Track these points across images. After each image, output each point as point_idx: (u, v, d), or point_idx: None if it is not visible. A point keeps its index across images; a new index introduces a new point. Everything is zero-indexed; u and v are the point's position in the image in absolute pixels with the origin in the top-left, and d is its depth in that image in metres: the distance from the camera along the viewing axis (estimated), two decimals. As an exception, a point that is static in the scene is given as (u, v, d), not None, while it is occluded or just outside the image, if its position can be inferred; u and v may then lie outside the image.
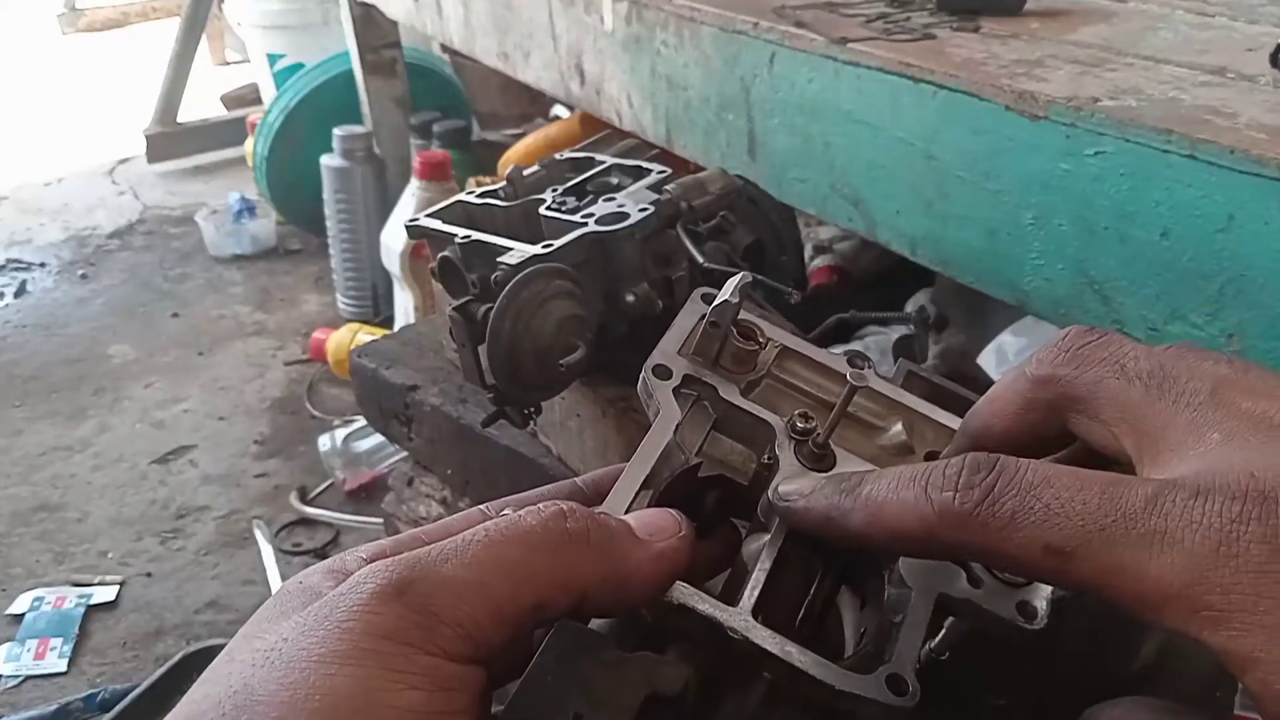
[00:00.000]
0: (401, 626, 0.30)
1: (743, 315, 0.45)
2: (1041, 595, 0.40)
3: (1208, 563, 0.29)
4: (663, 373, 0.43)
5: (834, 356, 0.46)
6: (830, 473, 0.41)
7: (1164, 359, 0.35)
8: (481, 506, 0.41)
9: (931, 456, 0.44)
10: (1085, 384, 0.36)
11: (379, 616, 0.30)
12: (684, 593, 0.36)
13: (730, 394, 0.43)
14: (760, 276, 0.80)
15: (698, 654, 0.36)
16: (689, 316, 0.45)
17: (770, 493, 0.39)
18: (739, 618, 0.36)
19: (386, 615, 0.30)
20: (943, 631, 0.39)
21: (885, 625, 0.39)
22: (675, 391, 0.42)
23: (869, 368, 0.45)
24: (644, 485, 0.39)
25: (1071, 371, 0.36)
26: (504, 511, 0.37)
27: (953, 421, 0.45)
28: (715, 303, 0.43)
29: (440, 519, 0.41)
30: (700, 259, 0.79)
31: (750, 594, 0.37)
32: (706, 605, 0.36)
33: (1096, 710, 0.35)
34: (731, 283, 0.43)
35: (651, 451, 0.40)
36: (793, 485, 0.38)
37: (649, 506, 0.39)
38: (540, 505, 0.34)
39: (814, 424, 0.42)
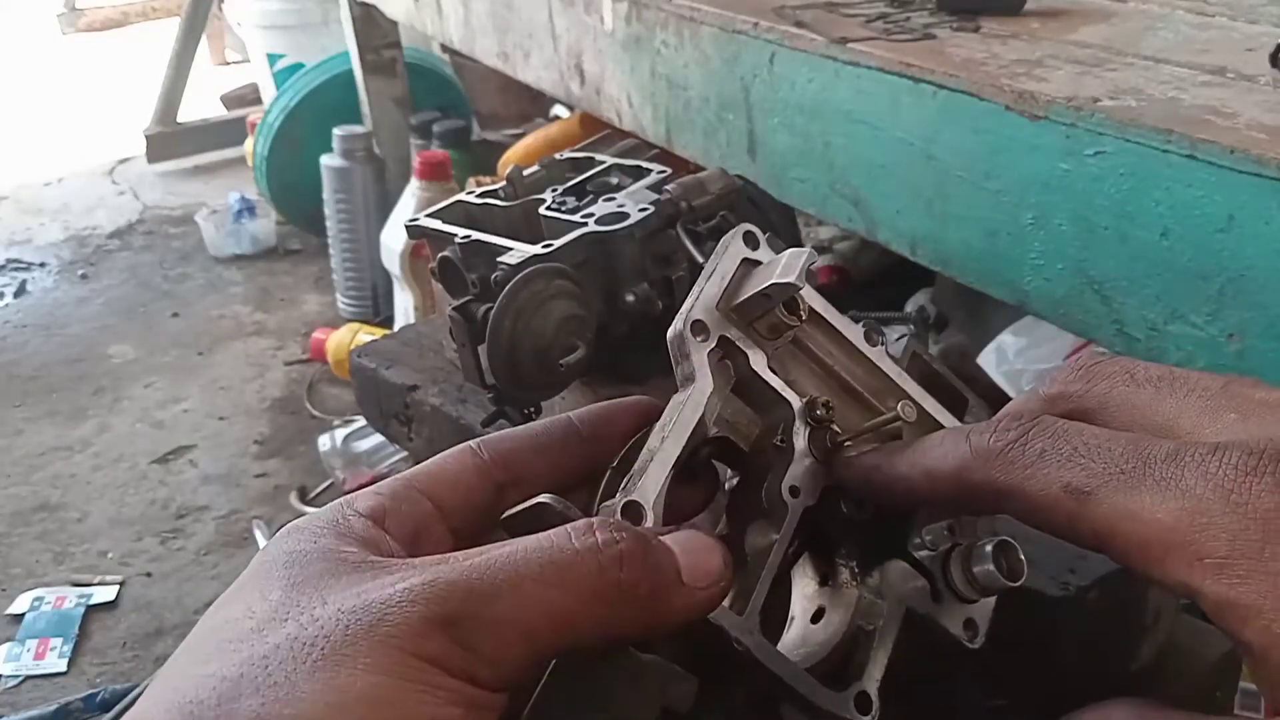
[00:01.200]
0: (445, 654, 0.30)
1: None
2: (984, 615, 0.41)
3: (1216, 509, 0.29)
4: (700, 329, 0.41)
5: (852, 326, 0.45)
6: None
7: (1173, 368, 0.36)
8: (471, 444, 0.40)
9: None
10: (1096, 396, 0.37)
11: (426, 642, 0.30)
12: None
13: (759, 364, 0.42)
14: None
15: (686, 646, 0.37)
16: (730, 260, 0.43)
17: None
18: (745, 629, 0.36)
19: (433, 644, 0.30)
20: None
21: (855, 630, 0.40)
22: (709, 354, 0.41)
23: (882, 343, 0.45)
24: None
25: (1082, 386, 0.37)
26: (539, 503, 0.37)
27: (942, 415, 0.45)
28: (776, 280, 0.41)
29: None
30: (700, 259, 0.79)
31: (755, 603, 0.37)
32: (718, 614, 0.36)
33: (1079, 714, 0.35)
34: (798, 264, 0.41)
35: (684, 429, 0.39)
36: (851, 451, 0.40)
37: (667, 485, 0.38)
38: (595, 543, 0.33)
39: (831, 414, 0.41)
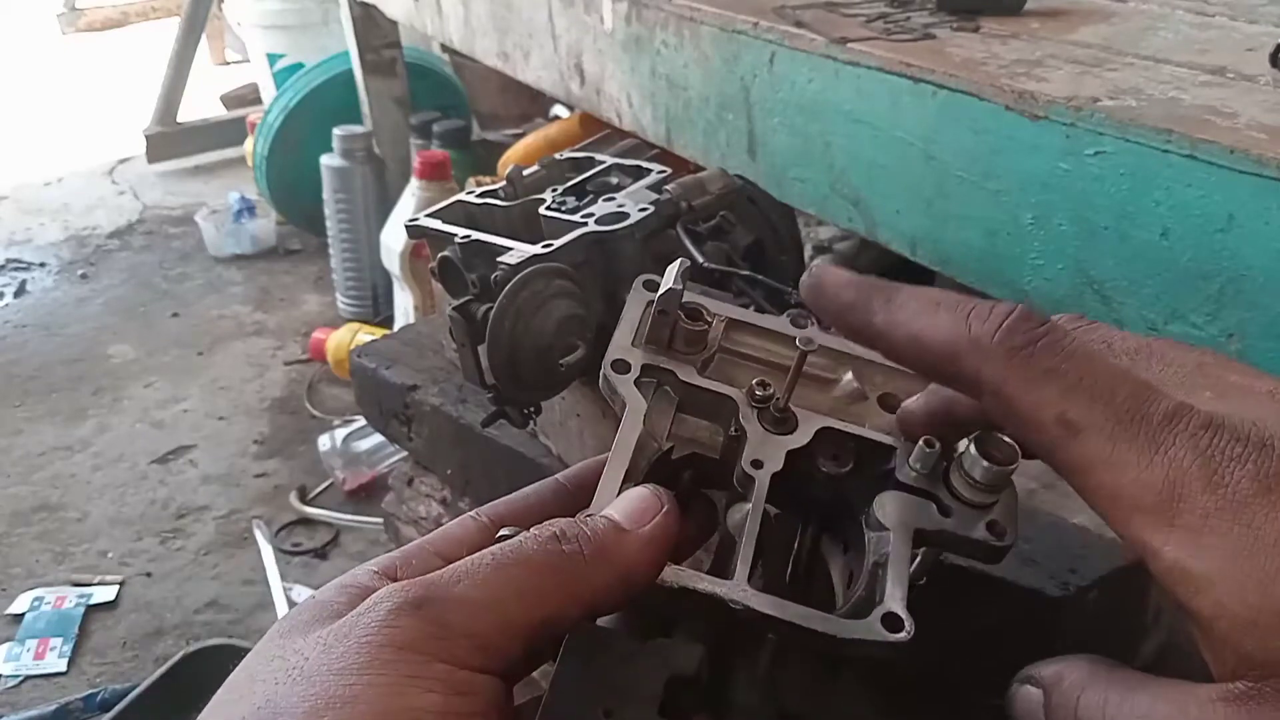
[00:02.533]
0: (418, 638, 0.31)
1: (686, 298, 0.46)
2: (1005, 512, 0.41)
3: (1197, 486, 0.30)
4: (621, 367, 0.44)
5: (778, 319, 0.47)
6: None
7: (1150, 341, 0.37)
8: (470, 514, 0.42)
9: (886, 399, 0.46)
10: None
11: (397, 630, 0.31)
12: (680, 575, 0.37)
13: (689, 375, 0.44)
14: (760, 276, 0.80)
15: (704, 628, 0.38)
16: (635, 306, 0.47)
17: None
18: (737, 589, 0.37)
19: (404, 628, 0.31)
20: (917, 560, 0.41)
21: (871, 568, 0.40)
22: (636, 382, 0.44)
23: (812, 324, 0.46)
24: (625, 479, 0.40)
25: None
26: (501, 535, 0.38)
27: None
28: (660, 291, 0.44)
29: (439, 519, 0.42)
30: (700, 259, 0.79)
31: (742, 565, 0.38)
32: (704, 583, 0.37)
33: (1034, 667, 0.36)
34: (672, 270, 0.45)
35: (626, 445, 0.41)
36: (830, 270, 0.40)
37: None
38: (536, 530, 0.36)
39: (772, 390, 0.43)
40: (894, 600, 0.38)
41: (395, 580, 0.37)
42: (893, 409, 0.45)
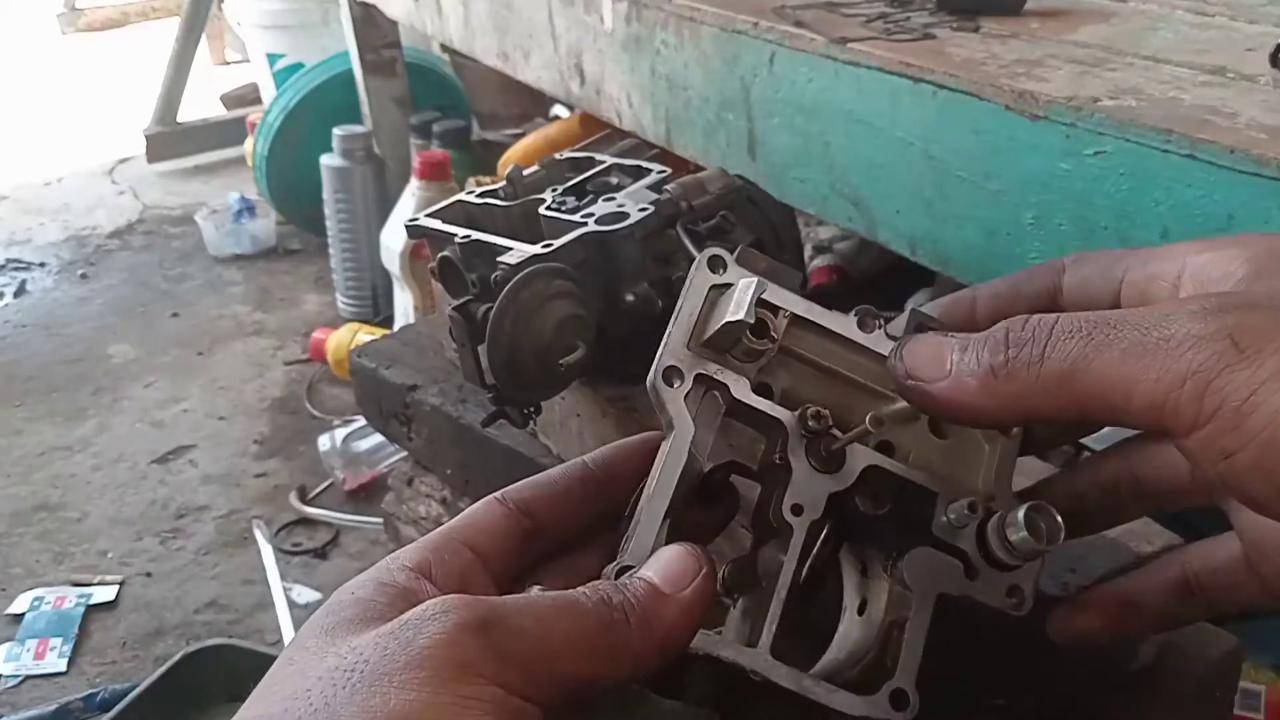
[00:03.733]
0: (479, 659, 0.31)
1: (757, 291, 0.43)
2: (1029, 579, 0.41)
3: (1227, 362, 0.31)
4: (673, 376, 0.41)
5: (845, 321, 0.45)
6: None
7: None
8: (496, 496, 0.42)
9: (936, 421, 0.45)
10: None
11: (460, 648, 0.31)
12: (705, 640, 0.38)
13: (742, 392, 0.42)
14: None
15: (716, 679, 0.38)
16: (696, 294, 0.44)
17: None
18: (760, 660, 0.38)
19: (468, 647, 0.31)
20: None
21: (888, 627, 0.40)
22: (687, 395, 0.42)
23: (880, 328, 0.45)
24: (666, 514, 0.40)
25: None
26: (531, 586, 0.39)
27: None
28: (729, 319, 0.42)
29: (439, 519, 0.42)
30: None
31: (769, 631, 0.38)
32: (729, 651, 0.38)
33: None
34: (746, 296, 0.42)
35: (669, 481, 0.40)
36: (921, 355, 0.39)
37: (667, 530, 0.40)
38: (588, 589, 0.36)
39: (825, 421, 0.41)
40: (904, 676, 0.38)
41: (430, 578, 0.37)
42: (942, 435, 0.44)
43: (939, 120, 0.86)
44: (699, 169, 0.96)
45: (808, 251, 1.66)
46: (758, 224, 0.88)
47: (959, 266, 0.89)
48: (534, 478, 0.43)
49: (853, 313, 0.45)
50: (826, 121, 0.98)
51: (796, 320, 0.44)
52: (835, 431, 0.42)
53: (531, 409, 0.78)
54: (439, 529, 0.41)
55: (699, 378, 0.42)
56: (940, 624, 0.41)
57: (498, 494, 0.42)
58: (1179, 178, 0.69)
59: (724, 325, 0.42)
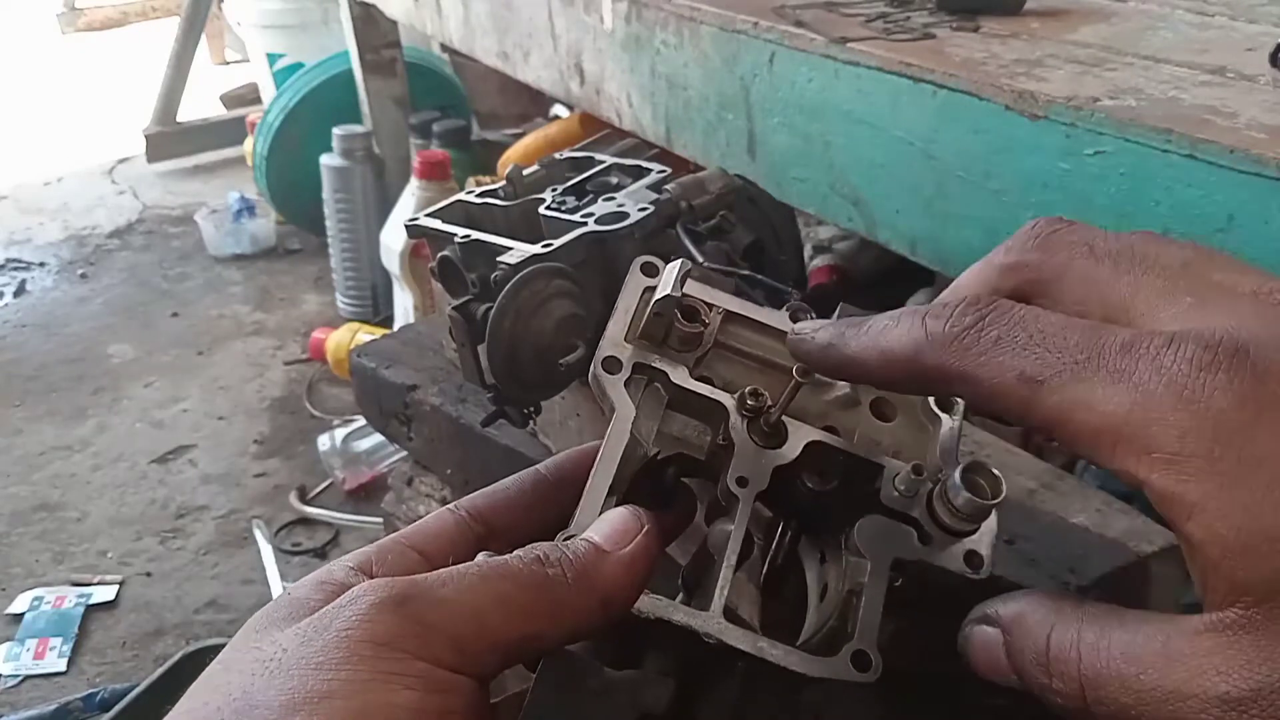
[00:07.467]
0: (398, 635, 0.31)
1: (686, 287, 0.45)
2: (985, 544, 0.41)
3: (1167, 405, 0.29)
4: (613, 365, 0.43)
5: (777, 314, 0.47)
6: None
7: (1133, 240, 0.36)
8: (448, 507, 0.42)
9: (878, 405, 0.45)
10: (1053, 267, 0.36)
11: (377, 625, 0.31)
12: (656, 605, 0.37)
13: (680, 378, 0.44)
14: (760, 276, 0.80)
15: (675, 651, 0.38)
16: (631, 293, 0.46)
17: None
18: (712, 622, 0.37)
19: (385, 624, 0.31)
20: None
21: (846, 595, 0.40)
22: (627, 381, 0.43)
23: (811, 318, 0.46)
24: (609, 490, 0.40)
25: (1039, 256, 0.37)
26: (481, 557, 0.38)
27: None
28: (657, 295, 0.44)
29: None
30: (700, 259, 0.79)
31: (720, 595, 0.38)
32: (680, 614, 0.37)
33: (989, 604, 0.35)
34: (671, 272, 0.44)
35: (611, 458, 0.41)
36: (805, 324, 0.41)
37: (614, 506, 0.40)
38: (521, 551, 0.35)
39: (764, 399, 0.42)
40: (865, 638, 0.38)
41: (372, 576, 0.37)
42: (885, 417, 0.45)
43: (939, 120, 0.86)
44: (699, 169, 0.96)
45: (808, 251, 1.66)
46: (757, 224, 0.88)
47: (959, 266, 0.89)
48: (489, 487, 0.44)
49: (785, 308, 0.47)
50: (826, 121, 0.98)
51: (731, 316, 0.46)
52: (771, 409, 0.43)
53: (531, 409, 0.78)
54: (388, 536, 0.41)
55: (638, 366, 0.44)
56: (941, 624, 0.41)
57: (450, 504, 0.43)
58: (1179, 177, 0.70)
59: (654, 304, 0.43)
